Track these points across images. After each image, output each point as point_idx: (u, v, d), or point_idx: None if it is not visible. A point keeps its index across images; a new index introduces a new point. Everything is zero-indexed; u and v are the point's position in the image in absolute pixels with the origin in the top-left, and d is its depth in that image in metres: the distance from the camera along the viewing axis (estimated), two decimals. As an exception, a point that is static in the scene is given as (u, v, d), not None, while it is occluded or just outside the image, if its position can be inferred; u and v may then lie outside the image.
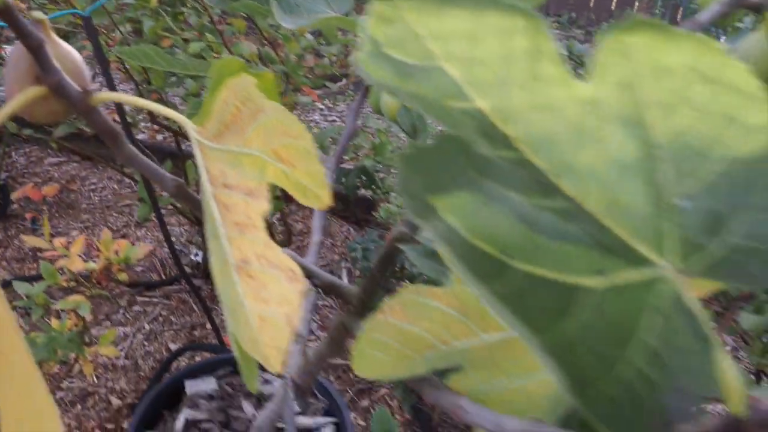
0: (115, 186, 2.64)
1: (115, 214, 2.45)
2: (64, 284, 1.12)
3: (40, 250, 1.29)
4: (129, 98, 0.59)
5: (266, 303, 0.54)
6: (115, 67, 1.71)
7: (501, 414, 0.53)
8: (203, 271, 2.17)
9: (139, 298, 2.07)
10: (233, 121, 0.56)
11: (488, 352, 0.56)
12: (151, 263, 2.22)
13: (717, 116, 0.34)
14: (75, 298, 1.12)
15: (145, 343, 1.91)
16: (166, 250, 2.11)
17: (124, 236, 2.35)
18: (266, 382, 1.30)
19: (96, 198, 2.57)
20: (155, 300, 2.07)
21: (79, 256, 1.24)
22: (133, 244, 2.33)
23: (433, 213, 0.30)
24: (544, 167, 0.35)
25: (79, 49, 1.60)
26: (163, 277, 2.17)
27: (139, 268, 2.21)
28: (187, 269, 2.18)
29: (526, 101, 0.34)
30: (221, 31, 1.64)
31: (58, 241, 1.14)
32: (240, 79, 0.48)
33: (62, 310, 1.24)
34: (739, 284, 0.34)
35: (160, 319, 2.01)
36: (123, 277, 1.19)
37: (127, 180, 2.52)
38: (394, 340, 0.58)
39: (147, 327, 1.97)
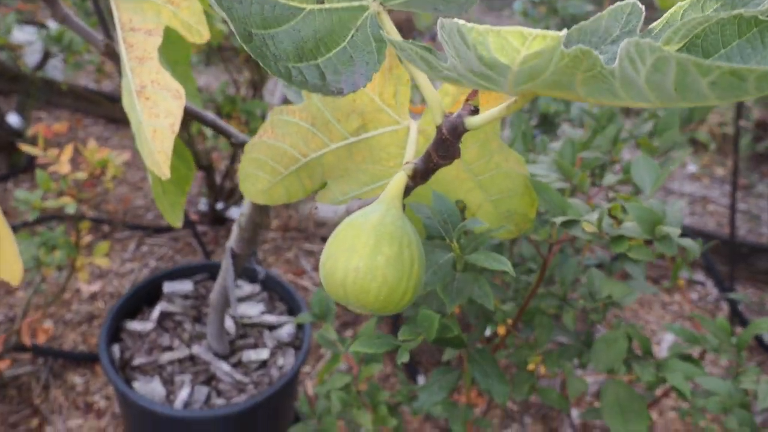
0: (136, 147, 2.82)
1: (133, 170, 2.63)
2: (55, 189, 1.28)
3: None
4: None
5: (157, 117, 0.70)
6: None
7: (337, 206, 0.67)
8: (209, 218, 2.34)
9: (148, 240, 2.25)
10: (138, -24, 0.71)
11: (335, 158, 0.70)
12: (162, 211, 2.39)
13: None
14: (64, 200, 1.28)
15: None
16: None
17: (139, 189, 2.53)
18: (238, 287, 1.45)
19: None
20: (161, 242, 2.24)
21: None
22: (146, 195, 2.51)
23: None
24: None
25: None
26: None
27: (150, 215, 2.38)
28: (195, 217, 2.36)
29: None
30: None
31: (52, 151, 1.30)
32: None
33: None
34: (419, 10, 0.47)
35: (165, 258, 2.18)
36: (109, 186, 1.35)
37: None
38: (267, 158, 0.73)
39: (153, 264, 2.14)
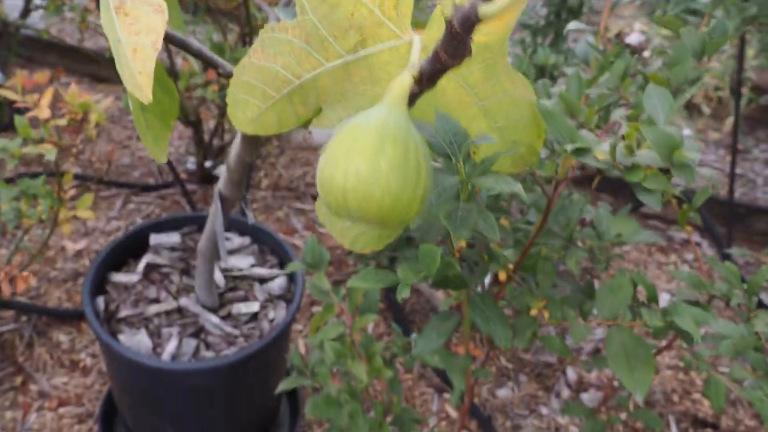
0: (121, 104, 2.75)
1: (119, 128, 2.56)
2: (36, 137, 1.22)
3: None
4: None
5: (137, 34, 0.65)
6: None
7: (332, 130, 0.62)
8: (197, 177, 2.28)
9: (134, 198, 2.19)
10: None
11: (331, 79, 0.65)
12: (149, 169, 2.33)
13: None
14: (44, 146, 1.22)
15: (136, 234, 2.03)
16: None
17: (126, 147, 2.47)
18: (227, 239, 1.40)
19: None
20: (148, 200, 2.19)
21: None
22: (133, 153, 2.46)
23: None
24: None
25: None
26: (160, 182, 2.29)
27: (137, 173, 2.32)
28: (184, 176, 2.30)
29: None
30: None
31: (31, 96, 1.24)
32: None
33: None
34: None
35: (153, 216, 2.13)
36: (92, 133, 1.29)
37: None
38: (257, 81, 0.68)
39: (139, 222, 2.09)
